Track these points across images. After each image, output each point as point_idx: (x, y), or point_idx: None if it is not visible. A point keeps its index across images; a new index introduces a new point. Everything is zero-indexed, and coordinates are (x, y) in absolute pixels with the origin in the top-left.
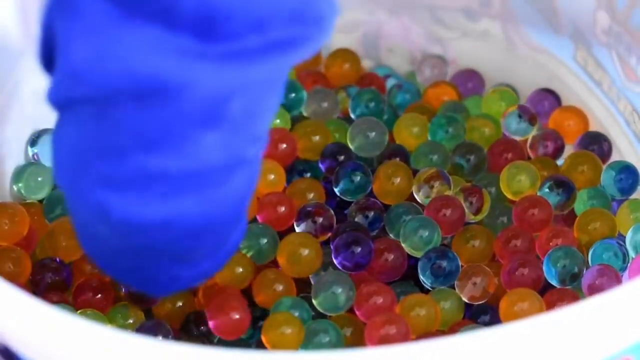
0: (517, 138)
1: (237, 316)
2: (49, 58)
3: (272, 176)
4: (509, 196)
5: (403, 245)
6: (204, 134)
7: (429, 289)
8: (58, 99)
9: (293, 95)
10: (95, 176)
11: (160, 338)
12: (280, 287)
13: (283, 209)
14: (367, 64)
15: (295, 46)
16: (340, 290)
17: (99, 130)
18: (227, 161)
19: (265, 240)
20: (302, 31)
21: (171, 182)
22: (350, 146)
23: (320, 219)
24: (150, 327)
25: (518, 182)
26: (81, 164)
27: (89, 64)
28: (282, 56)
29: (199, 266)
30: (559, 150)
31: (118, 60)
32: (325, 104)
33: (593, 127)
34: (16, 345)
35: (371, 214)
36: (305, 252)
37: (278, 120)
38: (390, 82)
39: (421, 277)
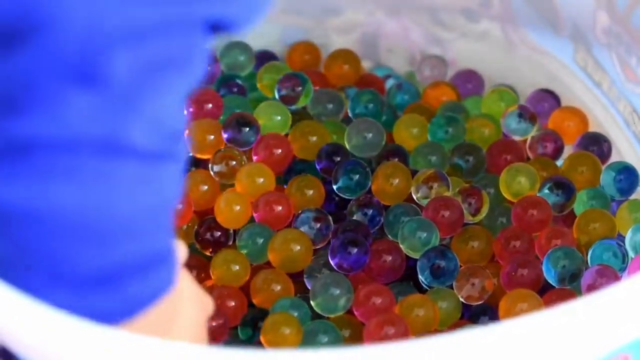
0: (517, 138)
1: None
2: None
3: (261, 179)
4: (509, 198)
5: (401, 246)
6: (76, 93)
7: (427, 289)
8: None
9: (300, 88)
10: None
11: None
12: (277, 287)
13: (280, 208)
14: (366, 64)
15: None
16: (338, 291)
17: None
18: (103, 138)
19: (261, 240)
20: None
21: (39, 156)
22: (348, 146)
23: (318, 225)
24: None
25: (518, 183)
26: None
27: None
28: (179, 5)
29: (85, 298)
30: (558, 151)
31: None
32: (330, 106)
33: (593, 128)
34: (15, 345)
35: (370, 211)
36: (297, 247)
37: (279, 117)
38: (389, 83)
39: (420, 276)
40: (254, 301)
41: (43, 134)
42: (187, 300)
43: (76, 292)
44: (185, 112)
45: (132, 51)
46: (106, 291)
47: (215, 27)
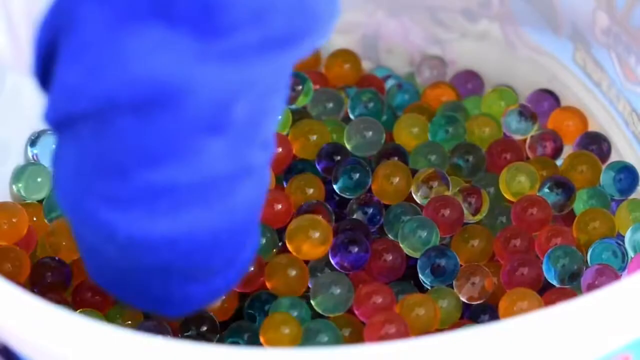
0: (518, 137)
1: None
2: (44, 74)
3: None
4: (509, 197)
5: (401, 245)
6: (208, 141)
7: (428, 288)
8: (56, 118)
9: (300, 87)
10: (98, 197)
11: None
12: (293, 272)
13: (280, 206)
14: (366, 65)
15: (295, 41)
16: (339, 290)
17: (99, 148)
18: (234, 169)
19: (263, 240)
20: (301, 26)
21: (177, 196)
22: (347, 146)
23: (320, 217)
24: (150, 327)
25: (518, 183)
26: (83, 185)
27: (86, 76)
28: (283, 52)
29: (211, 283)
30: (557, 151)
31: (115, 69)
32: (330, 105)
33: (592, 128)
34: (15, 343)
35: (370, 209)
36: (316, 234)
37: (279, 117)
38: (389, 83)
39: (420, 275)
40: (269, 286)
41: (184, 179)
42: None
43: (206, 283)
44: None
45: (249, 97)
46: (228, 272)
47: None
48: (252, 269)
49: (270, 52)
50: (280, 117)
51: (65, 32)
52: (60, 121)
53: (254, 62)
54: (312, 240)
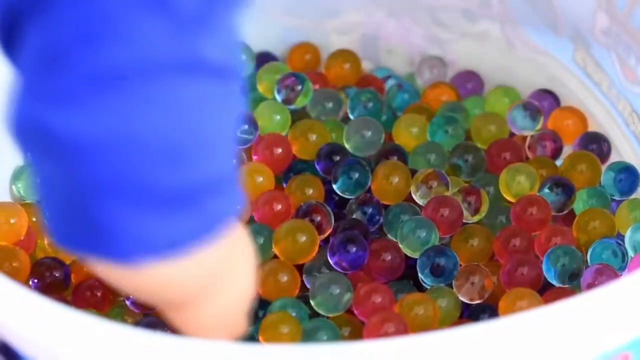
0: (525, 133)
1: None
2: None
3: (260, 178)
4: (509, 198)
5: (401, 245)
6: (150, 18)
7: (427, 287)
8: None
9: (299, 88)
10: (39, 95)
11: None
12: (284, 278)
13: (280, 206)
14: (366, 65)
15: None
16: (338, 290)
17: (39, 41)
18: (183, 59)
19: (262, 239)
20: None
21: (119, 84)
22: (347, 145)
23: (319, 217)
24: (148, 323)
25: (517, 183)
26: (28, 93)
27: None
28: None
29: (170, 217)
30: (557, 151)
31: None
32: (330, 105)
33: (592, 128)
34: (16, 341)
35: (370, 209)
36: (303, 238)
37: (278, 117)
38: (389, 83)
39: (420, 275)
40: (259, 291)
41: (125, 62)
42: (246, 268)
43: (159, 213)
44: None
45: None
46: (187, 210)
47: None
48: None
49: None
50: (239, 25)
51: None
52: (5, 23)
53: None
54: (299, 244)
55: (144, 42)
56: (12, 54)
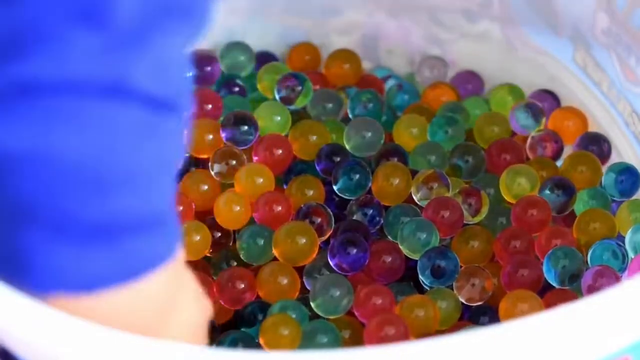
0: (528, 132)
1: None
2: None
3: (261, 180)
4: (509, 199)
5: (401, 247)
6: (81, 33)
7: (427, 289)
8: None
9: (299, 88)
10: None
11: None
12: (284, 281)
13: (280, 208)
14: (366, 65)
15: None
16: (338, 293)
17: None
18: (108, 81)
19: (262, 241)
20: None
21: (42, 98)
22: (347, 146)
23: (319, 219)
24: None
25: (518, 185)
26: None
27: None
28: None
29: (82, 252)
30: (558, 152)
31: None
32: (330, 105)
33: (592, 128)
34: (14, 345)
35: (370, 211)
36: (302, 240)
37: (279, 118)
38: (389, 83)
39: (420, 277)
40: (260, 294)
41: (47, 75)
42: (189, 297)
43: (75, 245)
44: (189, 71)
45: None
46: (105, 246)
47: None
48: (243, 285)
49: None
50: (184, 61)
51: None
52: None
53: None
54: (298, 246)
55: (68, 55)
56: None
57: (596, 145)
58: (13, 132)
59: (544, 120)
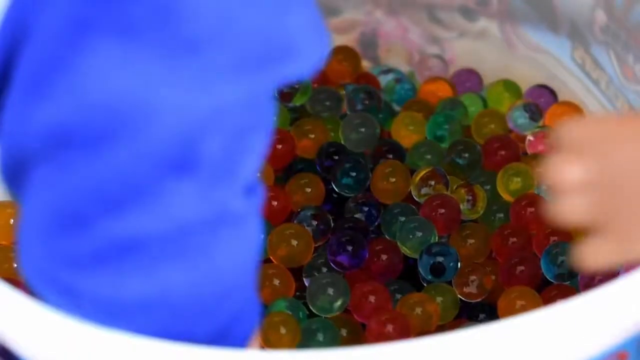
0: (525, 133)
1: None
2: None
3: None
4: (506, 198)
5: (399, 245)
6: (175, 182)
7: (425, 285)
8: (8, 164)
9: (298, 85)
10: (59, 258)
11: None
12: (277, 282)
13: (276, 203)
14: (365, 64)
15: (269, 66)
16: (335, 292)
17: (55, 198)
18: (209, 216)
19: (262, 236)
20: (276, 50)
21: (146, 249)
22: (343, 141)
23: (317, 223)
24: None
25: (515, 184)
26: (43, 247)
27: (34, 103)
28: (256, 76)
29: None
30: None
31: (67, 93)
32: (328, 103)
33: None
34: (15, 345)
35: (368, 208)
36: (297, 243)
37: (277, 116)
38: (388, 77)
39: (421, 272)
40: None
41: (152, 229)
42: None
43: None
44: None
45: (221, 129)
46: (221, 343)
47: (284, 81)
48: None
49: (242, 75)
50: (260, 157)
51: (20, 43)
52: (13, 168)
53: (224, 86)
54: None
55: (169, 207)
56: (17, 189)
57: None
58: (124, 285)
59: (541, 121)
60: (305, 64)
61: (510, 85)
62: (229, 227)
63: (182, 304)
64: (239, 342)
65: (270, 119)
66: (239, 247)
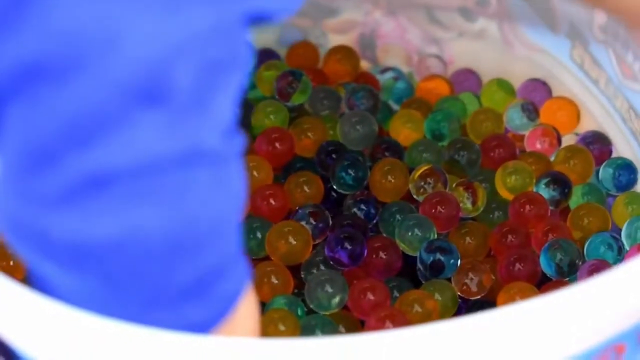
0: (521, 133)
1: None
2: None
3: (257, 173)
4: (504, 195)
5: (398, 243)
6: (145, 113)
7: (424, 282)
8: None
9: (297, 85)
10: (27, 195)
11: None
12: (276, 280)
13: (274, 201)
14: (364, 64)
15: None
16: (333, 289)
17: (23, 135)
18: (181, 152)
19: (261, 235)
20: None
21: (116, 185)
22: (341, 139)
23: (316, 221)
24: None
25: (514, 181)
26: (12, 188)
27: None
28: (226, 3)
29: (180, 312)
30: (555, 147)
31: (31, 21)
32: (328, 102)
33: (590, 125)
34: (14, 340)
35: (366, 206)
36: (295, 241)
37: (276, 116)
38: (387, 76)
39: (421, 269)
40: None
41: (121, 162)
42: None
43: (172, 309)
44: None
45: (192, 59)
46: (201, 300)
47: (255, 18)
48: None
49: (213, 2)
50: (234, 97)
51: None
52: None
53: (192, 12)
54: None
55: (138, 137)
56: None
57: (597, 144)
58: (97, 223)
59: (538, 120)
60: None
61: (504, 85)
62: (205, 166)
63: (155, 246)
64: (225, 301)
65: (245, 62)
66: (216, 189)
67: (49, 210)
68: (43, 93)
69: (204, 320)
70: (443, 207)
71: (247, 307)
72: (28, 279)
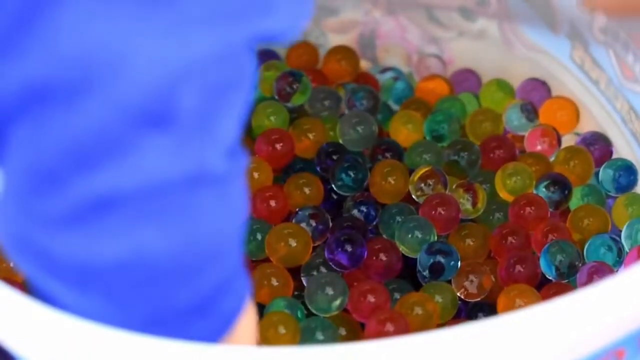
0: (520, 133)
1: None
2: None
3: (257, 174)
4: (504, 197)
5: (398, 245)
6: (150, 136)
7: (424, 284)
8: None
9: (297, 85)
10: (32, 218)
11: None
12: (275, 282)
13: (274, 203)
14: (363, 64)
15: (248, 19)
16: (333, 291)
17: (28, 156)
18: (186, 174)
19: (261, 236)
20: (254, 3)
21: (121, 207)
22: (340, 140)
23: (315, 222)
24: None
25: (514, 183)
26: (16, 207)
27: (7, 57)
28: (233, 28)
29: (178, 330)
30: (555, 147)
31: (41, 44)
32: (328, 102)
33: (590, 127)
34: (10, 343)
35: (366, 208)
36: (295, 243)
37: (276, 117)
38: (386, 75)
39: (421, 271)
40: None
41: (127, 184)
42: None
43: (175, 326)
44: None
45: (197, 82)
46: (204, 317)
47: (260, 39)
48: None
49: (217, 26)
50: (240, 117)
51: None
52: None
53: (199, 37)
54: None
55: (144, 161)
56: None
57: (598, 144)
58: (100, 244)
59: (537, 121)
60: (281, 22)
61: (503, 85)
62: (209, 187)
63: (160, 267)
64: (227, 317)
65: (250, 81)
66: (220, 209)
67: (54, 230)
68: (49, 115)
69: (206, 336)
70: (443, 208)
71: (247, 317)
72: (27, 284)
